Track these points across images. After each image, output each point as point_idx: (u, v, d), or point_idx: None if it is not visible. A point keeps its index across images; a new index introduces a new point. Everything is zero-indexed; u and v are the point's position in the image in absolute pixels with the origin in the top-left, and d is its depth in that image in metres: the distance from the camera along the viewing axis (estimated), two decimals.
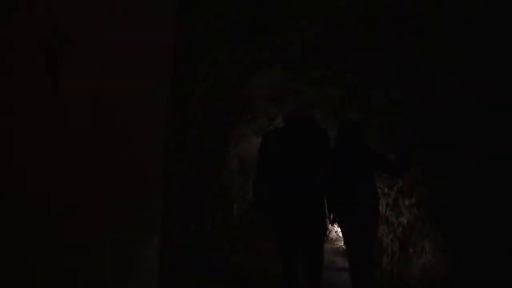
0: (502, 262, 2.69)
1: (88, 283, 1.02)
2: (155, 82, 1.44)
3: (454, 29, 2.44)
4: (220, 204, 8.04)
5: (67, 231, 0.96)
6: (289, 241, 3.27)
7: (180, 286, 3.25)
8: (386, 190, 5.25)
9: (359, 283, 3.47)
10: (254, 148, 6.95)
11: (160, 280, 1.35)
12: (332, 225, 4.18)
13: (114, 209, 1.14)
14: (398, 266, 4.63)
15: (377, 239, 4.25)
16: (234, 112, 5.35)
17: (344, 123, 3.78)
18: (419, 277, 3.99)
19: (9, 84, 0.85)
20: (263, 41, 3.64)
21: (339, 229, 7.73)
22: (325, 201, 3.41)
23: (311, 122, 3.41)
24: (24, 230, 0.84)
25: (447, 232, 3.48)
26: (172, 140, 2.67)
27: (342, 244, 7.09)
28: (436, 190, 3.67)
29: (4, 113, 0.82)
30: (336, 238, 7.80)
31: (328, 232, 7.97)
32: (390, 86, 3.67)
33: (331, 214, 3.59)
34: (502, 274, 2.69)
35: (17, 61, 0.86)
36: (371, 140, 3.85)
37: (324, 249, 3.45)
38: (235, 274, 5.15)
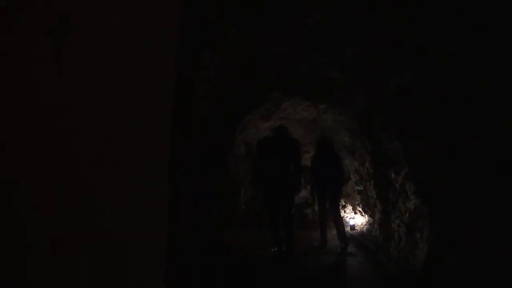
0: (507, 249, 2.68)
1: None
2: (159, 67, 1.42)
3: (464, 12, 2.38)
4: (227, 190, 8.08)
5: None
6: (273, 204, 5.60)
7: (186, 273, 3.29)
8: (393, 176, 5.23)
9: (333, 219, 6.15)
10: (260, 134, 6.96)
11: (166, 268, 1.36)
12: (312, 197, 6.87)
13: (118, 197, 1.14)
14: (405, 251, 4.65)
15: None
16: (241, 96, 5.32)
17: (320, 138, 6.63)
18: (425, 262, 4.00)
19: (17, 67, 0.84)
20: (268, 26, 3.60)
21: (346, 214, 7.92)
22: (302, 183, 6.12)
23: (287, 134, 5.80)
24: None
25: (452, 218, 3.47)
26: (177, 127, 2.66)
27: (348, 229, 7.21)
28: (445, 175, 3.65)
29: (14, 94, 0.82)
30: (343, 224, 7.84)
31: None
32: (397, 70, 3.62)
33: (314, 192, 6.53)
34: (506, 261, 2.68)
35: (25, 46, 0.85)
36: (378, 128, 4.10)
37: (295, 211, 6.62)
38: (240, 261, 5.22)
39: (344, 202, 8.16)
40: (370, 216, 7.06)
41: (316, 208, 6.59)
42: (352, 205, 7.91)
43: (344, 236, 6.04)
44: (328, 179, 6.16)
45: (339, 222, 6.10)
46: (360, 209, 7.52)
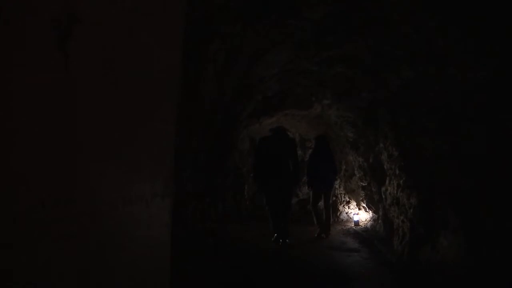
0: (508, 248, 2.66)
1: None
2: (165, 62, 1.42)
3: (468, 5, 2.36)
4: (231, 185, 8.11)
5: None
6: (274, 197, 6.00)
7: (190, 268, 3.30)
8: (397, 171, 5.22)
9: (324, 210, 6.75)
10: (265, 129, 6.95)
11: (170, 261, 1.37)
12: (308, 189, 7.19)
13: (121, 195, 1.14)
14: (409, 247, 4.64)
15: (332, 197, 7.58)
16: (245, 92, 5.32)
17: (318, 137, 7.16)
18: (430, 258, 3.99)
19: (25, 59, 0.85)
20: (274, 20, 3.58)
21: (350, 210, 7.91)
22: (300, 178, 6.74)
23: (285, 133, 6.29)
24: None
25: (459, 213, 3.46)
26: (182, 121, 2.67)
27: (352, 225, 7.23)
28: (449, 171, 3.63)
29: (21, 83, 0.83)
30: (347, 220, 7.85)
31: (338, 214, 8.05)
32: (400, 67, 3.60)
33: (311, 185, 6.90)
34: (507, 259, 2.66)
35: (31, 39, 0.86)
36: (382, 124, 4.08)
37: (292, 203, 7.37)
38: (246, 254, 5.24)
39: (348, 198, 8.15)
40: (374, 212, 7.05)
41: (311, 201, 6.93)
42: (356, 201, 7.90)
43: (325, 227, 6.59)
44: (322, 174, 6.71)
45: (327, 214, 6.73)
46: (364, 205, 7.50)
